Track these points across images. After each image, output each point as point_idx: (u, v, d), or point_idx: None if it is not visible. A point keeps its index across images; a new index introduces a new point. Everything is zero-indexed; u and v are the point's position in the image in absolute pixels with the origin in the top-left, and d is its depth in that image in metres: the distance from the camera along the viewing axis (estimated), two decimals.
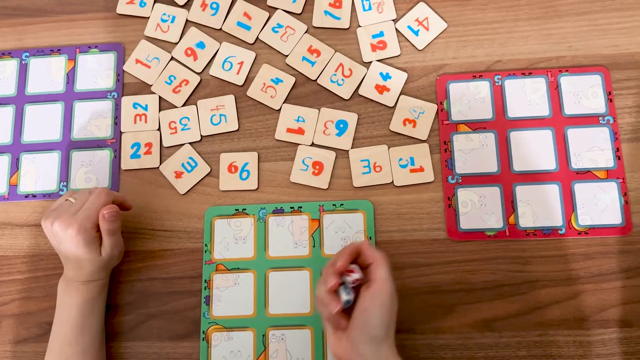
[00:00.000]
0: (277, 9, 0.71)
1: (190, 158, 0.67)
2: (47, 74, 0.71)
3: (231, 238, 0.64)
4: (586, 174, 0.63)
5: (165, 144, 0.68)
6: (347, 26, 0.70)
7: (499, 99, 0.66)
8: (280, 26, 0.70)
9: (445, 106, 0.66)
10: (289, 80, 0.68)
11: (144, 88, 0.70)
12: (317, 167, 0.65)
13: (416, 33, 0.69)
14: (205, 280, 0.63)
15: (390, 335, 0.50)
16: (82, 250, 0.56)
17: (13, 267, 0.65)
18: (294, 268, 0.63)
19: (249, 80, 0.69)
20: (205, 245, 0.64)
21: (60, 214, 0.56)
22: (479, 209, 0.63)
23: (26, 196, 0.67)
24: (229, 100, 0.68)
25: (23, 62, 0.72)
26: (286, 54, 0.69)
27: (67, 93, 0.70)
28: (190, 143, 0.67)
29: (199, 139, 0.68)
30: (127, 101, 0.69)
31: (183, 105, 0.69)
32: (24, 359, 0.63)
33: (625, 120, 0.65)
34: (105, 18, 0.73)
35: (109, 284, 0.62)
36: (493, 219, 0.63)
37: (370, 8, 0.70)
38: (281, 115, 0.67)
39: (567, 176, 0.63)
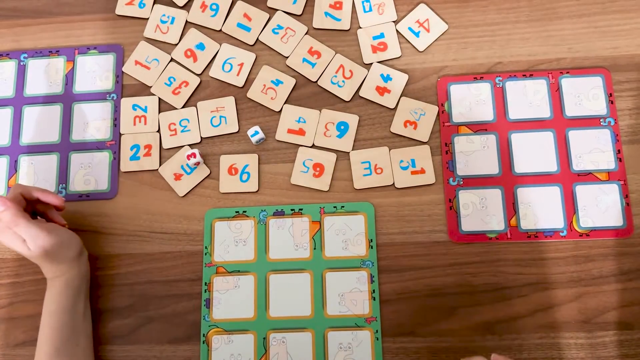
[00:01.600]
0: (277, 10, 0.71)
1: None
2: (46, 75, 0.70)
3: (231, 240, 0.64)
4: (587, 176, 0.63)
5: (164, 146, 0.67)
6: (347, 27, 0.70)
7: (500, 101, 0.66)
8: (280, 27, 0.70)
9: (446, 108, 0.66)
10: (289, 82, 0.68)
11: (144, 89, 0.69)
12: (318, 169, 0.65)
13: (417, 34, 0.69)
14: (206, 283, 0.62)
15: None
16: (17, 251, 0.54)
17: (11, 270, 0.65)
18: (294, 270, 0.62)
19: (249, 81, 0.69)
20: (205, 247, 0.64)
21: None
22: (480, 211, 0.63)
23: None
24: (229, 102, 0.68)
25: (21, 64, 0.71)
26: (286, 56, 0.69)
27: (65, 94, 0.70)
28: (190, 145, 0.67)
29: (198, 140, 0.67)
30: (126, 103, 0.69)
31: (183, 107, 0.68)
32: None
33: (626, 122, 0.65)
34: (104, 19, 0.72)
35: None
36: (494, 221, 0.62)
37: (370, 9, 0.70)
38: (282, 115, 0.67)
39: (568, 178, 0.63)
